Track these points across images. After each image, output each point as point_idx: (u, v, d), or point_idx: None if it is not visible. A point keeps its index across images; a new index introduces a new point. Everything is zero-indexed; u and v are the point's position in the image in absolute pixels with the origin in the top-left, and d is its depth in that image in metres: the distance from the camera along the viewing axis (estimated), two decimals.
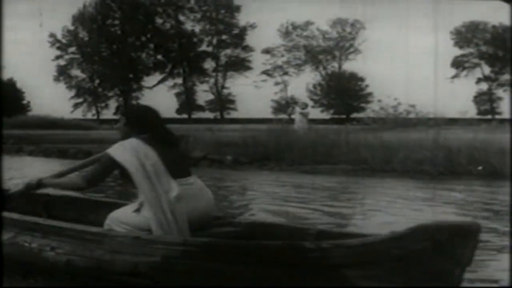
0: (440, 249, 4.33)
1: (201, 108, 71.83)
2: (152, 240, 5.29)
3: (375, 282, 4.51)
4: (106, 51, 71.01)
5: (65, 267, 5.62)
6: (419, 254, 4.36)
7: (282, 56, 69.70)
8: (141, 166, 5.69)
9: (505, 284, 6.14)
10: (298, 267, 4.69)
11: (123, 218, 5.78)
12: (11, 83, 67.18)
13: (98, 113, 72.10)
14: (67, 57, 71.33)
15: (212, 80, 71.97)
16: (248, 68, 70.65)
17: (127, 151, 5.76)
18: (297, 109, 26.07)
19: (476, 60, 64.62)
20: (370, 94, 65.12)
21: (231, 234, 5.81)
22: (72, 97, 71.36)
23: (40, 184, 6.16)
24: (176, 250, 5.11)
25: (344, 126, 25.26)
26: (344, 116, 62.57)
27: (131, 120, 6.10)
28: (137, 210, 5.74)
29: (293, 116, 26.73)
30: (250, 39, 70.50)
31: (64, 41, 71.08)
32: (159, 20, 71.10)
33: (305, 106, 26.24)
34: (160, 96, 70.44)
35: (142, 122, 6.04)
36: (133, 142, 5.84)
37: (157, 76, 71.54)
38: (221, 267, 4.91)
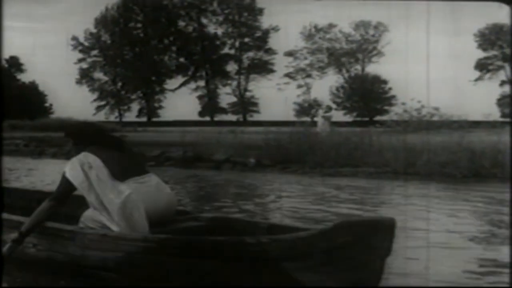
0: (361, 242, 4.91)
1: (223, 111, 71.89)
2: (117, 237, 5.85)
3: (307, 273, 5.05)
4: (128, 54, 71.27)
5: (45, 262, 6.19)
6: (343, 247, 4.93)
7: (305, 58, 69.65)
8: (86, 178, 6.19)
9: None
10: (240, 260, 5.24)
11: (95, 216, 6.19)
12: (33, 86, 67.57)
13: (120, 115, 72.35)
14: (89, 60, 71.66)
15: (234, 83, 72.08)
16: (271, 71, 70.64)
17: (75, 167, 6.29)
18: (320, 112, 26.01)
19: (500, 63, 64.24)
20: (393, 96, 64.87)
21: (192, 229, 6.26)
22: (95, 100, 71.69)
23: (22, 234, 6.28)
24: (138, 246, 5.69)
25: (367, 128, 25.12)
26: (367, 119, 62.40)
27: (74, 138, 6.67)
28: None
29: (316, 119, 26.68)
30: (273, 41, 70.53)
31: (86, 44, 71.43)
32: (181, 23, 71.30)
33: (328, 109, 26.22)
34: (182, 98, 70.69)
35: (85, 137, 6.62)
36: (80, 157, 6.38)
37: (179, 79, 71.74)
38: (175, 260, 5.50)
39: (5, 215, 6.68)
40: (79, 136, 6.64)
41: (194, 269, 5.44)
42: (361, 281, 5.00)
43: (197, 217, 6.58)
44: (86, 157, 6.33)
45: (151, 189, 6.26)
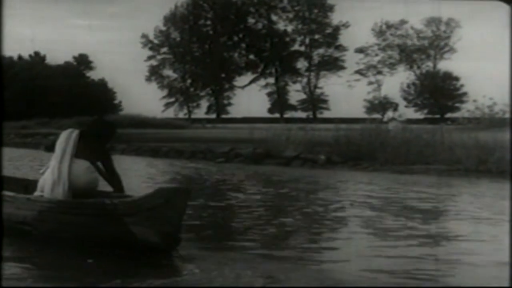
0: (168, 203, 7.26)
1: (293, 108, 71.96)
2: (34, 200, 8.23)
3: (137, 226, 7.39)
4: (198, 51, 71.78)
5: (3, 222, 8.14)
6: (158, 207, 7.29)
7: (376, 55, 69.39)
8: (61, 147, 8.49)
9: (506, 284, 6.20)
10: (101, 216, 7.64)
11: (39, 184, 8.50)
12: (102, 83, 68.50)
13: (189, 112, 72.95)
14: (159, 57, 72.46)
15: (304, 80, 72.09)
16: (341, 68, 70.56)
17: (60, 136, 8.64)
18: (390, 114, 25.85)
19: None
20: (465, 93, 64.22)
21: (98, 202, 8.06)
22: (164, 97, 72.46)
23: None
24: (46, 207, 8.07)
25: (438, 126, 24.89)
26: (438, 116, 61.79)
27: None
28: (42, 173, 8.52)
29: (386, 118, 26.50)
30: (343, 38, 70.44)
31: (156, 41, 72.21)
32: (251, 20, 71.61)
33: (396, 106, 25.97)
34: (251, 95, 70.98)
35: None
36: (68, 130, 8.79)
37: (249, 76, 72.14)
38: (66, 216, 7.88)
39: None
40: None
41: (75, 222, 7.83)
42: (167, 230, 7.35)
43: (109, 195, 8.46)
44: (71, 132, 8.70)
45: (80, 170, 8.38)
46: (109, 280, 6.51)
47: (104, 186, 8.70)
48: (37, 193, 8.48)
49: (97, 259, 7.29)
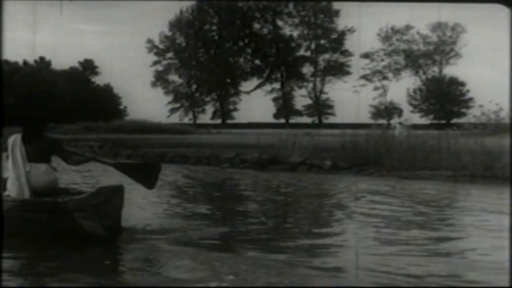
0: (108, 200, 8.93)
1: (298, 113, 71.84)
2: (1, 200, 9.33)
3: (86, 220, 8.98)
4: (203, 56, 71.74)
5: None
6: (100, 203, 8.93)
7: (382, 60, 69.20)
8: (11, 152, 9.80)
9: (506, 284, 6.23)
10: (56, 212, 9.17)
11: (7, 186, 9.72)
12: (108, 88, 68.42)
13: (195, 117, 72.85)
14: (164, 62, 72.31)
15: (310, 85, 71.98)
16: (347, 73, 70.40)
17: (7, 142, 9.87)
18: (396, 119, 25.79)
19: None
20: (471, 99, 63.98)
21: (52, 200, 9.49)
22: (169, 102, 72.29)
23: None
24: (10, 205, 9.33)
25: (444, 131, 24.84)
26: (444, 122, 61.66)
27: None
28: (7, 176, 9.73)
29: (392, 122, 26.42)
30: (349, 43, 70.29)
31: (161, 46, 72.10)
32: (256, 25, 71.54)
33: (400, 112, 25.94)
34: (257, 101, 70.88)
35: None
36: (14, 135, 9.89)
37: (254, 81, 71.99)
38: (29, 214, 9.28)
39: None
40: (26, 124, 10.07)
41: (36, 218, 9.24)
42: (109, 223, 8.97)
43: (68, 191, 10.14)
44: (15, 136, 9.83)
45: (40, 173, 9.72)
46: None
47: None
48: (5, 193, 9.72)
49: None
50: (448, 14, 65.38)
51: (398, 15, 66.44)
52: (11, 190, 9.66)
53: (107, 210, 8.93)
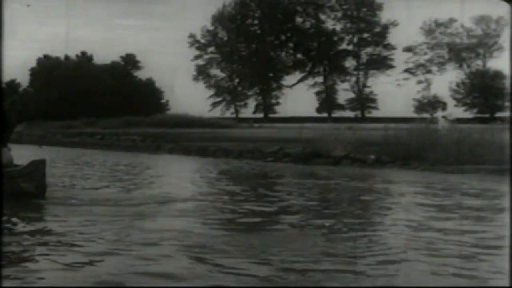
0: (37, 169, 14.33)
1: (341, 107, 71.69)
2: None
3: (24, 183, 14.13)
4: (245, 51, 71.83)
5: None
6: (32, 171, 14.35)
7: (425, 54, 68.74)
8: None
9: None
10: (8, 179, 13.51)
11: None
12: (150, 83, 68.74)
13: (236, 111, 72.97)
14: (206, 56, 72.56)
15: (353, 79, 71.78)
16: (390, 67, 70.04)
17: None
18: (440, 113, 25.61)
19: None
20: None
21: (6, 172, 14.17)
22: (211, 96, 72.52)
23: None
24: None
25: (488, 125, 24.67)
26: (488, 115, 61.12)
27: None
28: None
29: (435, 115, 26.23)
30: (392, 37, 69.95)
31: (203, 41, 72.33)
32: (298, 19, 71.48)
33: (444, 106, 25.77)
34: (299, 95, 70.79)
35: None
36: None
37: (296, 75, 71.92)
38: None
39: None
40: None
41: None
42: (38, 184, 14.22)
43: (17, 166, 14.77)
44: None
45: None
46: None
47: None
48: None
49: None
50: (493, 7, 64.72)
51: (442, 8, 65.89)
52: None
53: (36, 176, 14.26)
